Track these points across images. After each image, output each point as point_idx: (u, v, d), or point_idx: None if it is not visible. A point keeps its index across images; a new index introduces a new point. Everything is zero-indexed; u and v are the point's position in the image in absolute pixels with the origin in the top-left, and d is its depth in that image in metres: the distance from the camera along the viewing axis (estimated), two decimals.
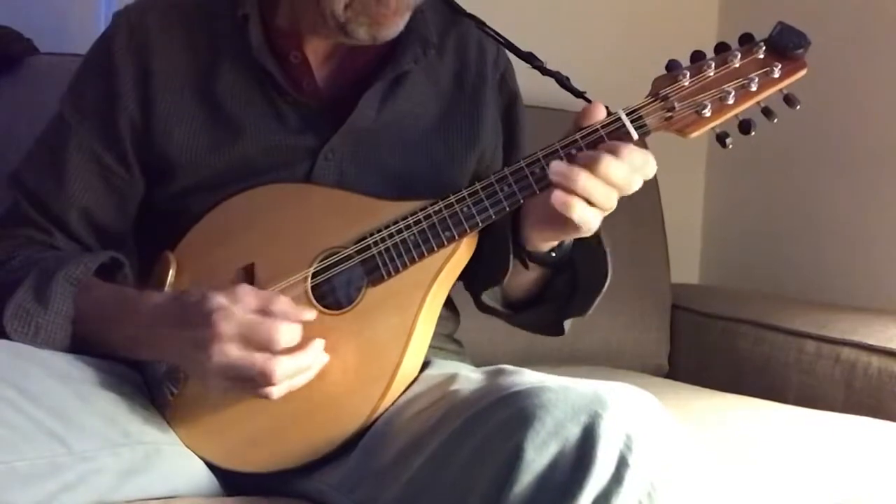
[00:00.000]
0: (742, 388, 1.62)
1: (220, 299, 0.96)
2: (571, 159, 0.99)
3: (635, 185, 0.98)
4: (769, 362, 1.68)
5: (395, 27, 1.10)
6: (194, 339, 0.96)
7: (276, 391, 0.96)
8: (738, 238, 2.18)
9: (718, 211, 2.24)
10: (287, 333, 0.95)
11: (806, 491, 1.19)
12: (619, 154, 0.97)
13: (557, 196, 0.96)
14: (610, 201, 0.98)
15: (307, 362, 0.98)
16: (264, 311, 0.96)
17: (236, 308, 0.95)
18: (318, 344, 0.99)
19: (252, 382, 0.96)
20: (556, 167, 0.97)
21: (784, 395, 1.61)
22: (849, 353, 1.55)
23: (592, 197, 0.96)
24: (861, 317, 1.63)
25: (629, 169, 0.97)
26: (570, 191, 0.96)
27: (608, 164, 0.96)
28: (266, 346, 0.95)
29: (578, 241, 1.10)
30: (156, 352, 1.03)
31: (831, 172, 1.94)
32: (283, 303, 0.98)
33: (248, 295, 0.97)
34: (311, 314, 1.01)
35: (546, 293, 1.16)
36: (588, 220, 0.98)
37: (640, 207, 1.89)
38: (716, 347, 1.80)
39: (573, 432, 0.83)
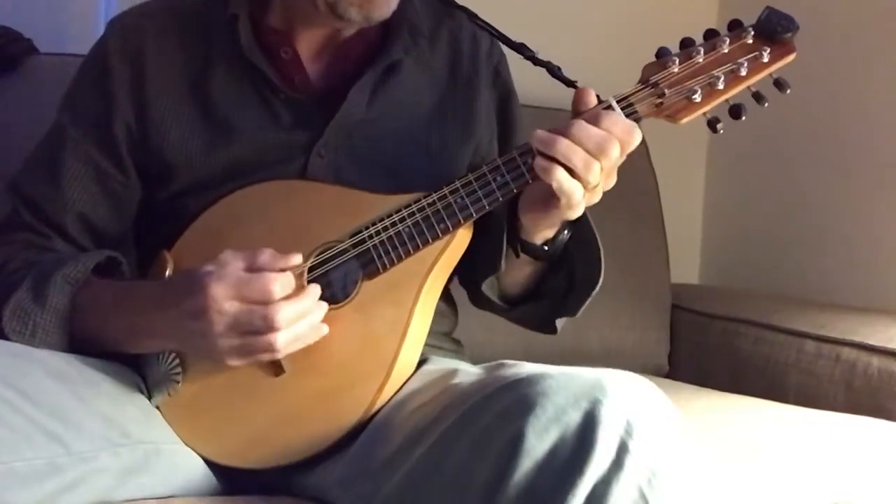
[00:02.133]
0: (742, 388, 1.62)
1: (206, 267, 0.98)
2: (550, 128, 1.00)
3: (612, 152, 0.98)
4: (769, 362, 1.67)
5: (386, 6, 1.10)
6: (190, 310, 0.97)
7: (281, 338, 0.97)
8: (738, 238, 2.18)
9: (718, 211, 2.23)
10: (280, 283, 0.97)
11: (806, 491, 1.19)
12: (595, 120, 0.98)
13: (539, 161, 0.99)
14: (589, 170, 0.98)
15: (306, 305, 0.99)
16: (251, 268, 0.98)
17: (224, 271, 0.97)
18: (315, 289, 1.01)
19: (257, 334, 0.97)
20: (538, 134, 0.99)
21: (784, 395, 1.61)
22: (849, 353, 1.55)
23: (571, 162, 0.98)
24: (861, 317, 1.63)
25: (604, 134, 0.98)
26: (550, 157, 0.98)
27: (580, 126, 0.98)
28: (263, 300, 0.96)
29: (574, 239, 1.11)
30: (155, 339, 1.03)
31: (831, 172, 1.94)
32: (267, 255, 1.00)
33: (232, 257, 0.99)
34: (297, 258, 1.02)
35: (542, 289, 1.17)
36: (567, 188, 0.98)
37: (640, 207, 1.89)
38: (716, 347, 1.80)
39: (574, 418, 0.83)
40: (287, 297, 0.98)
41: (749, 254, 2.15)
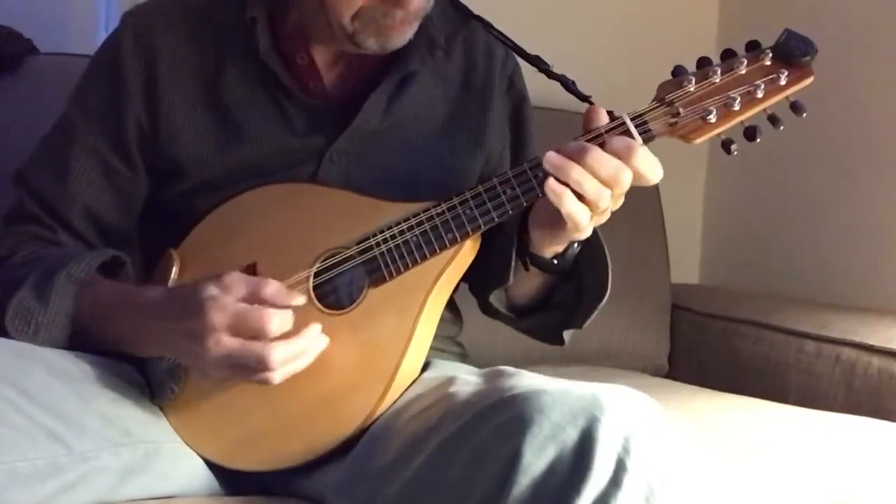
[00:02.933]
0: (742, 388, 1.62)
1: (210, 290, 0.97)
2: (563, 148, 0.99)
3: (625, 181, 0.97)
4: (769, 362, 1.68)
5: (402, 37, 1.10)
6: (189, 330, 0.96)
7: (275, 376, 0.97)
8: (738, 238, 2.18)
9: (718, 211, 2.24)
10: (277, 321, 0.96)
11: (806, 491, 1.19)
12: (612, 148, 0.97)
13: (550, 184, 0.97)
14: (600, 198, 0.97)
15: (303, 346, 0.98)
16: (254, 298, 0.97)
17: (227, 297, 0.96)
18: (315, 328, 1.00)
19: (250, 370, 0.96)
20: (551, 158, 0.98)
21: (784, 395, 1.61)
22: (849, 353, 1.55)
23: (582, 189, 0.97)
24: (861, 317, 1.63)
25: (618, 164, 0.97)
26: (562, 182, 0.97)
27: (595, 156, 0.96)
28: (258, 335, 0.95)
29: (584, 252, 1.10)
30: (155, 346, 1.03)
31: (831, 172, 1.94)
32: (272, 287, 0.98)
33: (237, 282, 0.97)
34: (301, 299, 1.01)
35: (551, 301, 1.17)
36: (576, 215, 0.98)
37: (640, 207, 1.89)
38: (716, 347, 1.80)
39: (571, 436, 0.83)
40: (285, 335, 0.97)
41: (749, 254, 2.15)
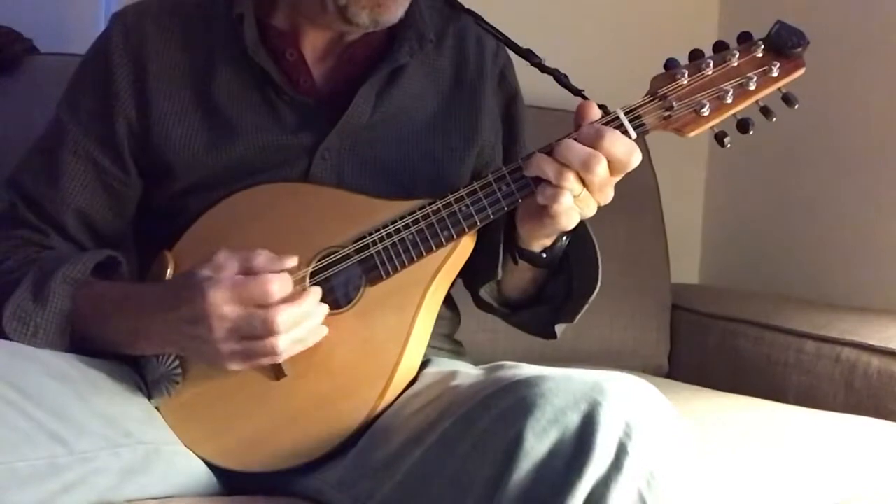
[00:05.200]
0: (742, 388, 1.62)
1: (203, 272, 0.98)
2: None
3: (596, 168, 0.98)
4: (769, 362, 1.67)
5: (395, 10, 1.10)
6: (191, 315, 0.97)
7: (282, 342, 0.97)
8: (738, 238, 2.18)
9: (718, 211, 2.24)
10: (278, 284, 0.97)
11: (806, 491, 1.19)
12: (585, 137, 0.98)
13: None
14: (567, 180, 0.98)
15: (306, 308, 0.99)
16: (248, 270, 0.98)
17: (222, 275, 0.97)
18: (315, 291, 1.01)
19: (258, 340, 0.97)
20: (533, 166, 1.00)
21: (784, 395, 1.61)
22: (849, 353, 1.55)
23: (558, 181, 0.98)
24: (861, 317, 1.63)
25: (589, 152, 0.97)
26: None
27: (567, 146, 0.98)
28: (261, 302, 0.96)
29: (574, 247, 1.11)
30: (155, 342, 1.03)
31: (832, 172, 1.94)
32: (263, 257, 1.00)
33: (228, 259, 0.99)
34: (293, 260, 1.02)
35: (542, 295, 1.17)
36: (551, 197, 0.99)
37: (640, 207, 1.89)
38: (716, 347, 1.80)
39: (573, 420, 0.83)
40: (287, 300, 0.98)
41: (749, 254, 2.15)
